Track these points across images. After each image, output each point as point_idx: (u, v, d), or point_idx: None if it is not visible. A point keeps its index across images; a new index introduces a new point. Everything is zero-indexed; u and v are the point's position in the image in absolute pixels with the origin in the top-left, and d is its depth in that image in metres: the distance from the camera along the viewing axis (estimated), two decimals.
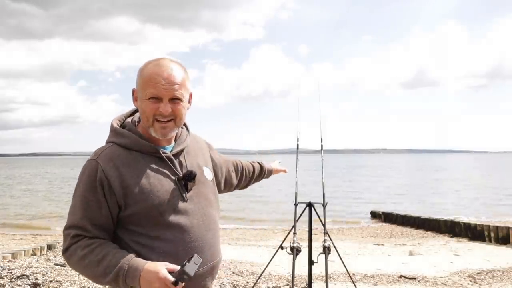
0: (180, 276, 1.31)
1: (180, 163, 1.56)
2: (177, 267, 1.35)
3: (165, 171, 1.51)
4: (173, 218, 1.46)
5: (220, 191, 1.90)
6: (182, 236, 1.47)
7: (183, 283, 1.32)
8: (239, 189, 2.17)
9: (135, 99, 1.54)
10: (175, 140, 1.60)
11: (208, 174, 1.67)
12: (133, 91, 1.54)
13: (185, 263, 1.32)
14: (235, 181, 2.06)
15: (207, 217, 1.56)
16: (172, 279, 1.31)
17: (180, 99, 1.48)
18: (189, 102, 1.58)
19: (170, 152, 1.55)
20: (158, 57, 1.53)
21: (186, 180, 1.52)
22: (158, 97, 1.45)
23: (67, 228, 1.46)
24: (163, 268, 1.34)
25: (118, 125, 1.57)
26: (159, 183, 1.47)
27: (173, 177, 1.51)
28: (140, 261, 1.37)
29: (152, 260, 1.39)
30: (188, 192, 1.53)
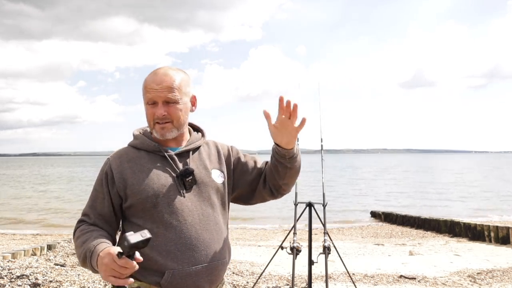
0: (121, 243, 1.26)
1: (185, 163, 1.59)
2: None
3: (166, 168, 1.57)
4: (167, 212, 1.50)
5: (248, 200, 1.76)
6: (175, 232, 1.50)
7: (130, 257, 1.25)
8: (279, 193, 1.71)
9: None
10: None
11: (217, 177, 1.64)
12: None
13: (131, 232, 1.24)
14: (260, 185, 1.72)
15: (205, 217, 1.56)
16: (117, 251, 1.27)
17: (174, 102, 1.54)
18: (194, 105, 1.66)
19: (176, 152, 1.61)
20: (159, 66, 1.64)
21: (183, 177, 1.54)
22: (154, 102, 1.55)
23: (81, 214, 1.62)
24: (115, 248, 1.34)
25: (139, 132, 1.71)
26: (157, 177, 1.54)
27: (173, 174, 1.56)
28: (104, 245, 1.39)
29: (145, 254, 1.41)
30: (187, 190, 1.55)
